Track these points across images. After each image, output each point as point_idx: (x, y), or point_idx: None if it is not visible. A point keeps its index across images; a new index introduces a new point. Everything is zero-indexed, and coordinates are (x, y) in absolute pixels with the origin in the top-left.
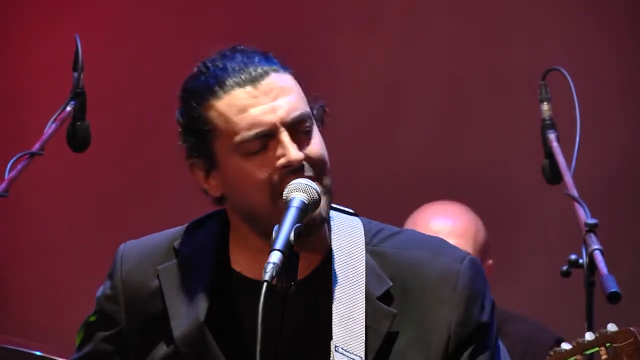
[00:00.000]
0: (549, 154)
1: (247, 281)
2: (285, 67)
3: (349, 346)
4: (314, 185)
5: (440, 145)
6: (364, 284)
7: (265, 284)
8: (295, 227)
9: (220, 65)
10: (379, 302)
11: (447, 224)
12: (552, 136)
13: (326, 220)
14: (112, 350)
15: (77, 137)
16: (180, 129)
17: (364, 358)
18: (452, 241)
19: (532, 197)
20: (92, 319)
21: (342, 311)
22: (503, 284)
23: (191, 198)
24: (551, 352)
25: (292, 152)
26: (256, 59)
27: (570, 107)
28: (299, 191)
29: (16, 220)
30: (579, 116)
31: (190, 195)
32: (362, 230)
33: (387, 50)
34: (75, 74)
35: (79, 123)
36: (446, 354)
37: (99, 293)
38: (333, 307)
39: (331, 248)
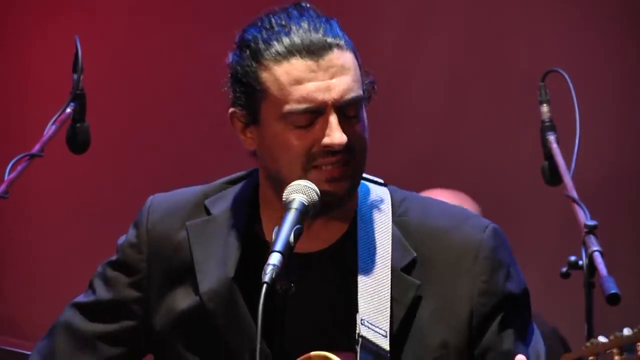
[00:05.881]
0: (549, 156)
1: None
2: (348, 41)
3: (375, 320)
4: (313, 186)
5: (439, 147)
6: (389, 257)
7: (264, 285)
8: (295, 228)
9: (285, 28)
10: (403, 273)
11: None
12: (551, 138)
13: (346, 200)
14: (135, 296)
15: (76, 139)
16: (229, 73)
17: (388, 332)
18: None
19: (531, 198)
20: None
21: (369, 283)
22: None
23: None
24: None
25: (336, 135)
26: (322, 29)
27: (570, 108)
28: (298, 193)
29: (16, 222)
30: (579, 118)
31: None
32: (390, 201)
33: (387, 50)
34: (75, 76)
35: (78, 125)
36: (470, 326)
37: (120, 241)
38: (359, 279)
39: (357, 218)
